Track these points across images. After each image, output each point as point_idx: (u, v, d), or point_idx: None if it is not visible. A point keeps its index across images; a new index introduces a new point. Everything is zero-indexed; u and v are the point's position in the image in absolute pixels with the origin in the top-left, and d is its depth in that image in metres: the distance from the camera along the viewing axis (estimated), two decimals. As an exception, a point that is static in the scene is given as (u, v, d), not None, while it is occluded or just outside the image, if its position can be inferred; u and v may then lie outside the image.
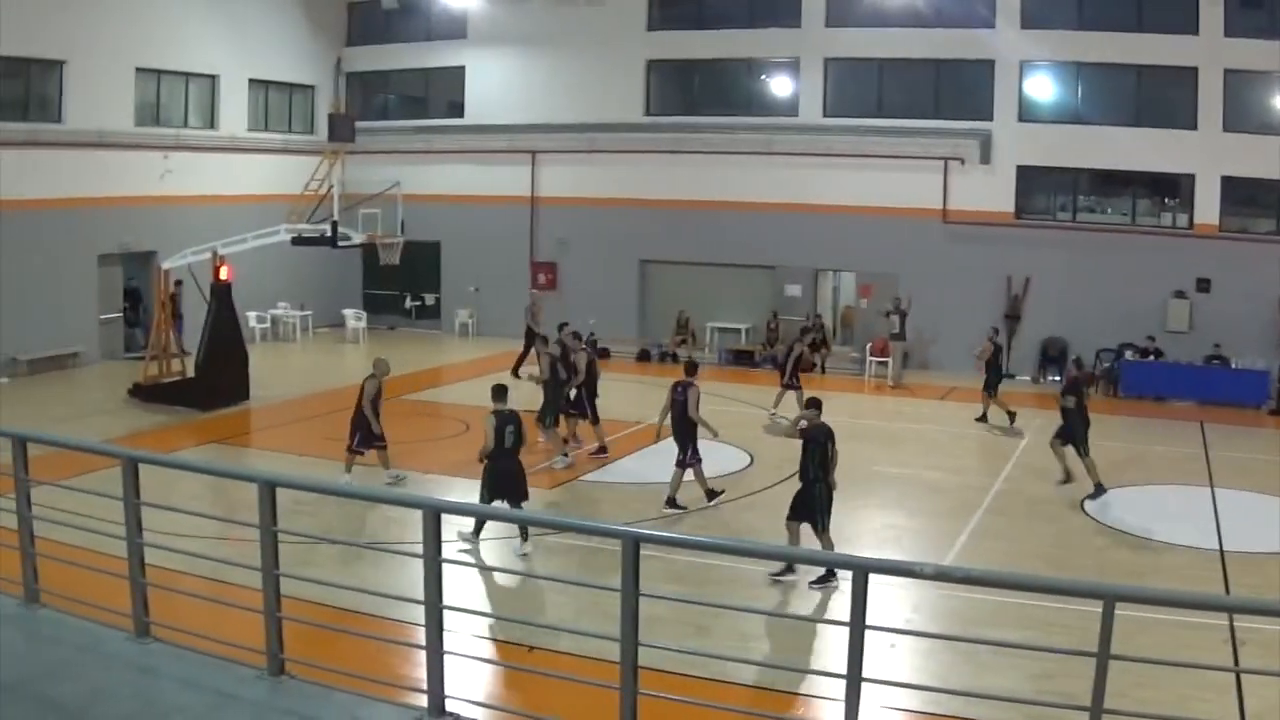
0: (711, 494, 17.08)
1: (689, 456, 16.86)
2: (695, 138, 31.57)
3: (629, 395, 25.18)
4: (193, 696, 7.05)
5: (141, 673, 7.36)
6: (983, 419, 23.73)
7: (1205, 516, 17.04)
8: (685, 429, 16.86)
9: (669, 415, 17.13)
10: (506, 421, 14.58)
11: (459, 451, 19.47)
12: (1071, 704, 6.49)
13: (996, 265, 29.04)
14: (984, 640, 11.42)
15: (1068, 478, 18.49)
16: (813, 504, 13.80)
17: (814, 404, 14.38)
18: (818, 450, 13.79)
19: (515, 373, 25.50)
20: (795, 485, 14.03)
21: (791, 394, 22.68)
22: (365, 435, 17.70)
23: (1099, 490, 17.84)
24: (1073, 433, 18.20)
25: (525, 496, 14.88)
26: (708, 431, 17.00)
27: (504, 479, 14.58)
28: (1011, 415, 23.25)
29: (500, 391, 15.12)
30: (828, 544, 13.83)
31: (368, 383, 17.74)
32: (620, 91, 32.49)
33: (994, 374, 23.77)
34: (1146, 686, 9.94)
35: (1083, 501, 17.66)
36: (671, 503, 16.78)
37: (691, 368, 17.96)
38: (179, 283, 26.76)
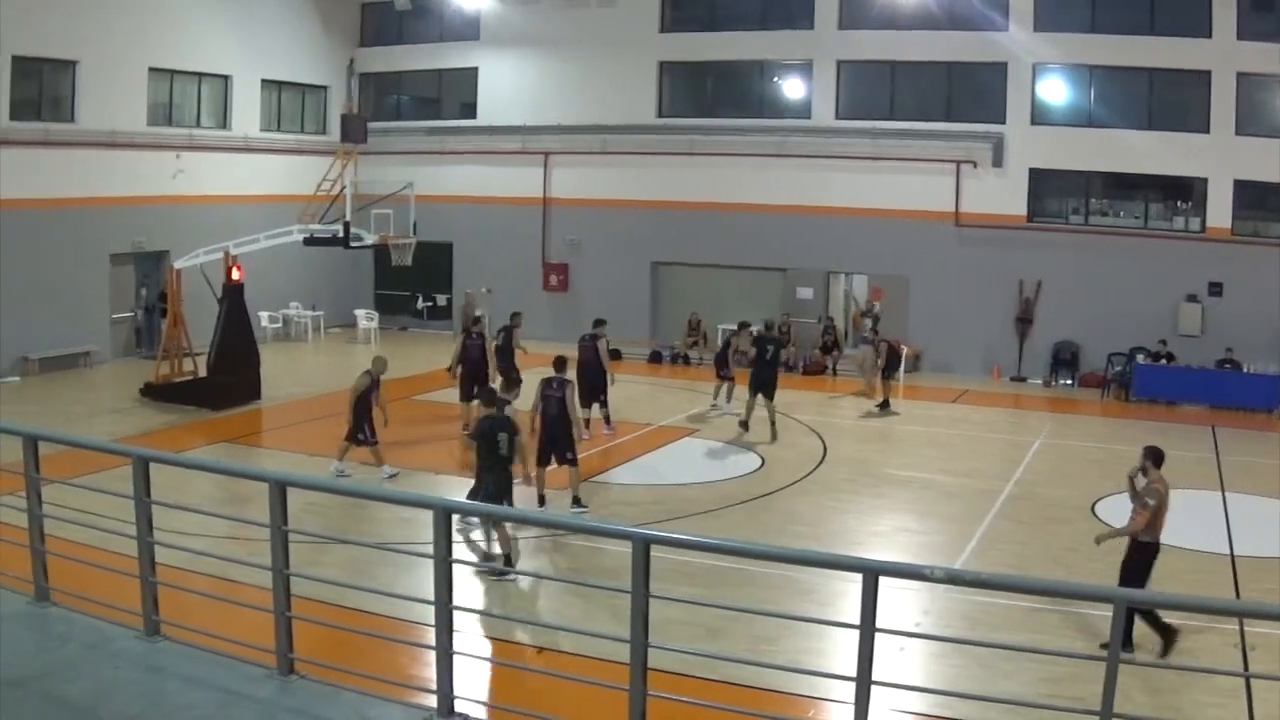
0: (577, 501, 16.58)
1: (573, 455, 16.70)
2: (707, 139, 31.55)
3: (640, 397, 25.18)
4: (201, 695, 7.07)
5: (150, 671, 7.37)
6: (884, 405, 25.04)
7: (1216, 520, 16.97)
8: (564, 428, 16.57)
9: (539, 412, 16.75)
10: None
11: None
12: (1081, 708, 6.48)
13: (1008, 268, 28.99)
14: (994, 644, 11.41)
15: (745, 428, 21.84)
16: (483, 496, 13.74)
17: (489, 397, 14.55)
18: (484, 443, 13.70)
19: (450, 371, 25.38)
20: (805, 487, 13.93)
21: (727, 385, 24.26)
22: (355, 430, 17.82)
23: (744, 428, 21.85)
24: (752, 379, 21.81)
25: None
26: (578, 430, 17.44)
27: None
28: (886, 403, 25.08)
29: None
30: (503, 535, 13.83)
31: (359, 379, 17.97)
32: (632, 93, 32.47)
33: (891, 364, 25.24)
34: (1156, 691, 9.92)
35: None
36: (576, 501, 16.56)
37: (560, 363, 17.51)
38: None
